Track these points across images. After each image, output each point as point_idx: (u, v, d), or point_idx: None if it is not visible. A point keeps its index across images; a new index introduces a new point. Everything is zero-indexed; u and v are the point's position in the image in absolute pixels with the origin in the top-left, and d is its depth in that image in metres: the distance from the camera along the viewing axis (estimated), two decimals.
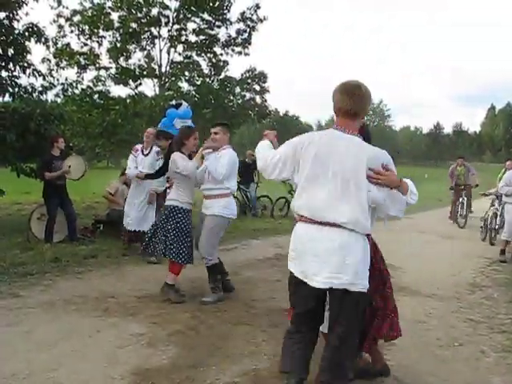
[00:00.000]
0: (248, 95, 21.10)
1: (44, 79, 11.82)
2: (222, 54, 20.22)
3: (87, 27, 18.28)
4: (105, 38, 18.70)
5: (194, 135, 6.17)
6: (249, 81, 20.81)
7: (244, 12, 19.79)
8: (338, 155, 3.12)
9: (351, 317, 3.16)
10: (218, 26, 19.70)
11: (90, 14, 18.12)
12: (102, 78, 19.22)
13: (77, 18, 18.29)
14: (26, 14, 10.98)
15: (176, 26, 19.30)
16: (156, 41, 19.57)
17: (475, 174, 15.83)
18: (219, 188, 5.97)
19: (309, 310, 3.27)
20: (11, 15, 10.75)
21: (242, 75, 20.82)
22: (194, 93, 20.34)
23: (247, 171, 14.91)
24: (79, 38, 18.51)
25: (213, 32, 19.75)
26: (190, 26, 19.54)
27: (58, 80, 12.85)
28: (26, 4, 10.87)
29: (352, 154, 3.11)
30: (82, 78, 18.75)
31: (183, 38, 19.68)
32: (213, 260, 5.98)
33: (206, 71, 20.48)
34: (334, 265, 3.06)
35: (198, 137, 6.26)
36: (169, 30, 19.34)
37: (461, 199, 14.78)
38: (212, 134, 6.04)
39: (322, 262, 3.09)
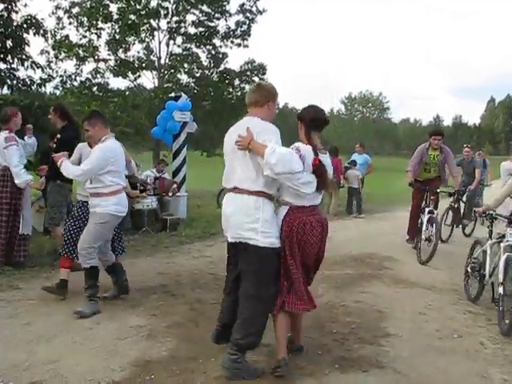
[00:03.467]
0: (247, 87, 21.01)
1: (43, 71, 11.86)
2: (221, 46, 20.16)
3: (86, 19, 18.19)
4: (104, 29, 18.63)
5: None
6: (248, 73, 20.75)
7: (243, 4, 19.74)
8: None
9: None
10: (218, 18, 19.64)
11: (88, 6, 18.04)
12: (101, 70, 19.16)
13: (75, 10, 18.21)
14: (25, 5, 10.99)
15: (175, 18, 19.22)
16: (155, 33, 19.50)
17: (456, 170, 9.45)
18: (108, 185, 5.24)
19: None
20: (10, 7, 10.73)
21: (241, 67, 20.76)
22: (193, 85, 20.30)
23: None
24: (78, 30, 18.44)
25: (212, 24, 19.68)
26: (189, 17, 19.48)
27: (56, 72, 12.92)
28: None
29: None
30: (81, 71, 18.73)
31: (182, 30, 19.60)
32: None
33: (206, 63, 20.40)
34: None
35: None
36: (168, 22, 19.26)
37: (427, 208, 8.54)
38: (85, 132, 5.42)
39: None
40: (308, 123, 3.98)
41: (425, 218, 8.41)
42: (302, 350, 4.26)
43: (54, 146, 6.60)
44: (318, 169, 3.82)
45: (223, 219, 3.95)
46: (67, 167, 5.20)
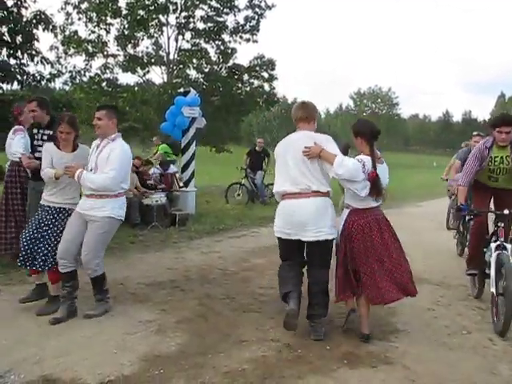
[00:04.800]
0: (256, 82, 21.03)
1: (52, 67, 11.89)
2: (230, 42, 20.16)
3: (95, 14, 18.25)
4: (112, 25, 18.70)
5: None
6: (257, 68, 20.73)
7: None
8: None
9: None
10: (226, 13, 19.63)
11: (97, 1, 18.09)
12: (110, 66, 19.25)
13: (84, 6, 18.28)
14: (34, 1, 11.01)
15: (184, 13, 19.23)
16: (164, 28, 19.54)
17: None
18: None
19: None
20: (19, 3, 10.77)
21: (250, 62, 20.74)
22: (202, 80, 20.31)
23: (257, 159, 14.93)
24: (87, 26, 18.52)
25: (221, 19, 19.67)
26: (198, 13, 19.49)
27: (66, 68, 12.94)
28: None
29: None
30: (90, 66, 18.82)
31: (191, 25, 19.61)
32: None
33: (214, 58, 20.42)
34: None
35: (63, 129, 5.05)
36: (177, 17, 19.28)
37: (493, 244, 5.24)
38: (95, 120, 5.00)
39: None
40: (369, 137, 4.59)
41: (492, 257, 5.11)
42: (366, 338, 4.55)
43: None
44: (374, 181, 4.44)
45: (284, 220, 4.56)
46: (92, 178, 4.81)
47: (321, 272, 4.58)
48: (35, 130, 6.06)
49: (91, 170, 4.90)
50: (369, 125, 4.77)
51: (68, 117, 5.19)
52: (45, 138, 5.98)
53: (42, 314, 4.91)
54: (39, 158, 5.64)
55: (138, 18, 18.16)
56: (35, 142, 6.01)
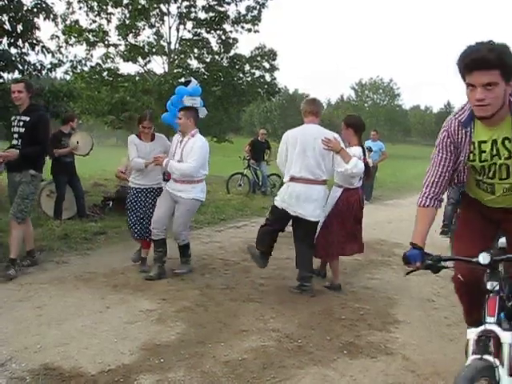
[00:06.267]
0: (257, 73, 20.94)
1: (53, 56, 11.81)
2: (231, 31, 20.03)
3: (96, 4, 18.13)
4: (113, 14, 18.56)
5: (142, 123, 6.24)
6: (258, 58, 20.63)
7: None
8: None
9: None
10: (228, 3, 19.48)
11: None
12: (111, 55, 19.13)
13: None
14: None
15: (185, 3, 19.11)
16: (165, 18, 19.40)
17: None
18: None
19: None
20: None
21: (251, 53, 20.65)
22: (203, 70, 20.21)
23: (259, 150, 14.93)
24: (88, 15, 18.37)
25: (222, 9, 19.54)
26: (200, 2, 19.34)
27: (66, 57, 12.87)
28: None
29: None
30: (91, 55, 18.69)
31: (192, 15, 19.48)
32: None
33: (216, 48, 20.30)
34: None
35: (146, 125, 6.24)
36: (178, 7, 19.15)
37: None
38: (177, 119, 6.26)
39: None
40: (358, 129, 5.73)
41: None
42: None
43: (23, 130, 5.83)
44: (366, 166, 5.58)
45: (295, 198, 5.39)
46: (177, 166, 5.90)
47: (303, 245, 5.56)
48: (13, 117, 6.05)
49: (178, 162, 5.94)
50: (359, 119, 6.03)
51: (150, 114, 6.43)
52: (20, 124, 5.89)
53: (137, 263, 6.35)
54: (14, 146, 5.92)
55: (139, 7, 18.02)
56: (12, 129, 5.99)
